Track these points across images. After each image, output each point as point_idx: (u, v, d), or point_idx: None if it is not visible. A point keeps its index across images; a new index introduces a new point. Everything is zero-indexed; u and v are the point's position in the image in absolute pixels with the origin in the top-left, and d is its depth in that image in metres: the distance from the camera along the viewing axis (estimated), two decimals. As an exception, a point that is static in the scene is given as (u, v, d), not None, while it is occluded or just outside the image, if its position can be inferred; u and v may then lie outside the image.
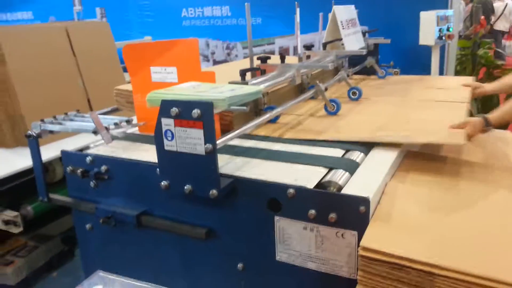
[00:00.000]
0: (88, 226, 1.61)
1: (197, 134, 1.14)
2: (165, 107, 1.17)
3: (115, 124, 1.56)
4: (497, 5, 10.03)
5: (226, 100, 1.14)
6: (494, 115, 1.58)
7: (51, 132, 1.63)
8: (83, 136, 2.28)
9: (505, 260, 0.93)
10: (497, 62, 4.49)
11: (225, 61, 4.32)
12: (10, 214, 2.21)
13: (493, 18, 9.13)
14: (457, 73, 4.28)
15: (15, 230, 2.23)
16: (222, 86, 1.31)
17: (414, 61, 3.20)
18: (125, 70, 3.11)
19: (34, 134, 1.57)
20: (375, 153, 1.42)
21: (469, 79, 2.41)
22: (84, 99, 2.67)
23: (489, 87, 2.17)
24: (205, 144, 1.14)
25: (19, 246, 2.49)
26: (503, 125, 2.49)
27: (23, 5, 5.21)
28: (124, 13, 4.69)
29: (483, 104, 3.72)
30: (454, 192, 1.26)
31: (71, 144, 1.70)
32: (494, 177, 1.39)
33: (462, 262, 0.91)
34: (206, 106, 1.12)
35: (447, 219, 1.11)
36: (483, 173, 1.42)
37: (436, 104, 1.94)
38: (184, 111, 1.14)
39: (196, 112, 1.12)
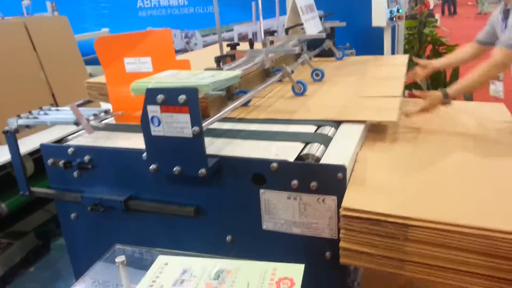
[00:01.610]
0: (73, 215, 1.65)
1: (184, 118, 1.22)
2: (151, 95, 1.24)
3: (94, 115, 1.60)
4: None
5: (210, 85, 1.23)
6: (452, 89, 1.75)
7: (28, 127, 1.64)
8: (50, 131, 2.29)
9: (464, 207, 1.09)
10: (442, 39, 4.78)
11: (184, 50, 4.34)
12: (-17, 213, 2.20)
13: None
14: (406, 51, 4.51)
15: (-10, 228, 2.22)
16: (202, 73, 1.39)
17: (368, 42, 3.38)
18: (87, 63, 3.11)
19: (11, 130, 1.59)
20: (344, 127, 1.55)
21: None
22: (48, 93, 2.65)
23: (437, 63, 2.37)
24: (192, 127, 1.22)
25: (-7, 245, 2.48)
26: (468, 97, 2.68)
27: (-35, 0, 4.96)
28: (78, 5, 4.57)
29: (432, 80, 3.98)
30: (416, 155, 1.42)
31: (39, 139, 1.70)
32: (447, 140, 1.56)
33: (430, 213, 1.06)
34: (192, 92, 1.20)
35: (412, 178, 1.26)
36: (438, 138, 1.59)
37: (388, 82, 2.11)
38: (170, 98, 1.22)
39: (182, 98, 1.20)
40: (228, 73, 1.39)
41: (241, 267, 0.84)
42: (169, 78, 1.35)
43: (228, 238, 1.40)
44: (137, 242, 1.55)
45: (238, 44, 1.88)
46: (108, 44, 1.72)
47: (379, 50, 3.30)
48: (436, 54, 4.63)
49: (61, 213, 1.70)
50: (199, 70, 1.49)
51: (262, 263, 0.84)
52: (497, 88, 2.14)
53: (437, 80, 3.93)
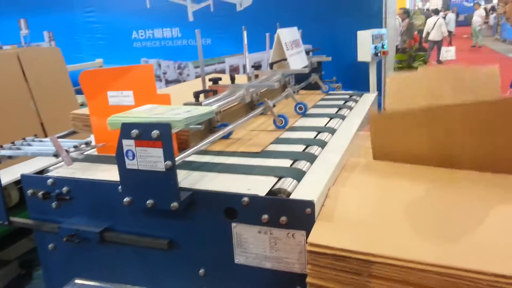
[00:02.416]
0: (50, 246, 1.65)
1: (157, 152, 1.25)
2: (126, 129, 1.27)
3: (75, 146, 1.63)
4: (431, 20, 11.49)
5: (182, 121, 1.26)
6: None
7: (10, 157, 1.67)
8: (35, 161, 2.31)
9: (429, 244, 1.10)
10: (430, 74, 4.87)
11: (177, 80, 4.42)
12: (-35, 241, 2.19)
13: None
14: (396, 85, 4.60)
15: (-28, 257, 2.20)
16: (179, 108, 1.43)
17: (355, 76, 3.46)
18: (77, 92, 3.16)
19: (-7, 160, 1.61)
20: (318, 162, 1.58)
21: None
22: (37, 123, 2.69)
23: None
24: (165, 161, 1.25)
25: (-26, 274, 2.45)
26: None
27: (-35, 29, 5.08)
28: (74, 35, 4.69)
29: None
30: (390, 191, 1.43)
31: (24, 169, 1.73)
32: (424, 175, 1.58)
33: (394, 250, 1.07)
34: (165, 127, 1.23)
35: (381, 214, 1.27)
36: (417, 171, 1.61)
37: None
38: (144, 133, 1.25)
39: (155, 133, 1.23)
40: (204, 109, 1.43)
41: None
42: (145, 113, 1.38)
43: (201, 271, 1.41)
44: (112, 273, 1.57)
45: (220, 79, 1.93)
46: (93, 77, 1.77)
47: (365, 84, 3.38)
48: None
49: (39, 244, 1.71)
50: (178, 105, 1.53)
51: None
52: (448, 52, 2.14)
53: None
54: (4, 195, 1.67)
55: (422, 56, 5.20)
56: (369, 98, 2.72)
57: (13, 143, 1.71)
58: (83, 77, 1.73)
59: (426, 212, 1.29)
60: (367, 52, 3.25)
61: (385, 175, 1.59)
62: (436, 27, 12.47)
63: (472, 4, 20.84)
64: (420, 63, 4.92)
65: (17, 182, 2.34)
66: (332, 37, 3.62)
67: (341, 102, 2.54)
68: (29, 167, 2.12)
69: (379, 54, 3.29)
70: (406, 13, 8.72)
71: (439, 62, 12.17)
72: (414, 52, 4.94)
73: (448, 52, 10.95)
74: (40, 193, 1.58)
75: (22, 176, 1.65)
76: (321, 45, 3.25)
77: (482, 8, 18.41)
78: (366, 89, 3.36)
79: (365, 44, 3.26)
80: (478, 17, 17.37)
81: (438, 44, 12.54)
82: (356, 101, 2.63)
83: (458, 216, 1.26)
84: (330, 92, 2.87)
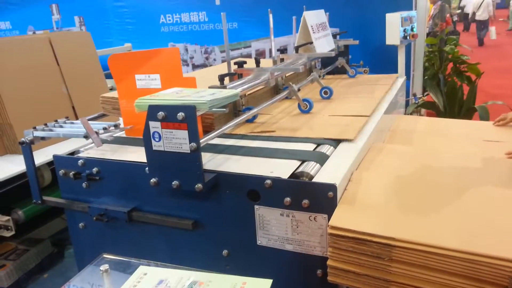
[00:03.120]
0: (81, 224, 1.72)
1: (182, 134, 1.28)
2: (153, 111, 1.30)
3: (104, 128, 1.68)
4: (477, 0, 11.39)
5: (207, 103, 1.28)
6: None
7: (43, 138, 1.73)
8: (66, 143, 2.40)
9: (450, 230, 1.09)
10: (463, 58, 4.73)
11: (203, 65, 4.45)
12: (1, 218, 2.30)
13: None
14: (426, 69, 4.50)
15: (7, 234, 2.32)
16: (204, 90, 1.45)
17: (383, 60, 3.40)
18: (107, 76, 3.23)
19: (27, 141, 1.67)
20: (343, 146, 1.57)
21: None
22: (69, 106, 2.77)
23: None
24: (189, 143, 1.27)
25: (10, 250, 2.58)
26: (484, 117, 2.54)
27: (0, 15, 5.23)
28: (103, 20, 4.76)
29: (448, 97, 3.94)
30: (412, 176, 1.42)
31: (56, 150, 1.80)
32: (449, 162, 1.56)
33: (415, 235, 1.07)
34: (190, 109, 1.25)
35: (403, 199, 1.27)
36: (440, 159, 1.59)
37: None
38: (170, 115, 1.27)
39: (181, 115, 1.25)
40: (229, 91, 1.44)
41: (213, 280, 0.88)
42: (171, 95, 1.41)
43: (225, 252, 1.44)
44: (139, 252, 1.62)
45: (245, 62, 1.93)
46: (121, 61, 1.80)
47: (393, 68, 3.31)
48: (457, 72, 4.58)
49: (70, 222, 1.78)
50: (203, 88, 1.55)
51: (233, 277, 0.87)
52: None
53: (454, 98, 3.88)
54: (37, 176, 1.74)
55: (453, 40, 5.04)
56: (397, 82, 2.67)
57: (45, 124, 1.77)
58: (111, 60, 1.77)
59: (449, 199, 1.28)
60: (395, 35, 3.17)
61: (410, 160, 1.58)
62: (483, 7, 12.19)
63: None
64: (452, 47, 4.78)
65: (49, 164, 2.45)
66: (360, 20, 3.55)
67: (368, 87, 2.50)
68: (61, 149, 2.21)
69: (408, 37, 3.21)
70: (439, -5, 8.44)
71: (481, 44, 11.89)
72: (445, 35, 4.79)
73: (491, 32, 10.91)
74: (71, 173, 1.64)
75: (54, 156, 1.71)
76: (348, 28, 3.19)
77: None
78: (394, 73, 3.29)
79: (393, 27, 3.18)
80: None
81: (485, 23, 12.24)
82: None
83: (483, 203, 1.24)
84: (357, 76, 2.83)
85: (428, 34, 5.77)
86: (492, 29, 11.17)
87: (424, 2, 3.73)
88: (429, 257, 1.03)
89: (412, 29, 3.24)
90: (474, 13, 12.36)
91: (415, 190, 1.33)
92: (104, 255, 1.02)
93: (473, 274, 1.00)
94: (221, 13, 1.81)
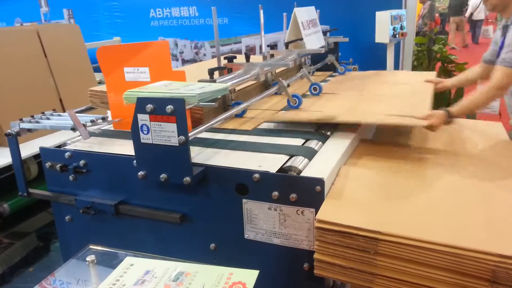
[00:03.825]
0: (67, 217, 1.70)
1: (171, 127, 1.27)
2: (141, 104, 1.29)
3: (92, 121, 1.66)
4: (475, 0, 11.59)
5: (196, 96, 1.27)
6: (454, 108, 1.77)
7: (29, 130, 1.71)
8: (53, 136, 2.38)
9: (435, 224, 1.11)
10: (451, 57, 4.78)
11: (193, 60, 4.43)
12: (-14, 211, 2.27)
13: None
14: (414, 67, 4.54)
15: (-8, 226, 2.29)
16: (193, 84, 1.44)
17: (372, 58, 3.42)
18: (95, 70, 3.20)
19: (13, 133, 1.66)
20: (331, 142, 1.58)
21: (427, 74, 2.63)
22: (56, 98, 2.74)
23: (447, 82, 2.41)
24: (178, 136, 1.27)
25: (-5, 243, 2.55)
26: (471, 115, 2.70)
27: (-13, 7, 5.15)
28: (92, 14, 4.72)
29: (436, 98, 3.97)
30: (398, 172, 1.44)
31: (42, 143, 1.77)
32: (434, 159, 1.58)
33: (401, 229, 1.08)
34: (179, 102, 1.25)
35: (388, 194, 1.28)
36: (425, 155, 1.61)
37: (387, 98, 2.14)
38: (159, 107, 1.27)
39: (169, 107, 1.25)
40: (218, 85, 1.44)
41: (199, 271, 0.88)
42: (160, 88, 1.40)
43: (212, 245, 1.44)
44: (126, 245, 1.60)
45: (235, 57, 1.93)
46: (110, 53, 1.79)
47: (382, 66, 3.33)
48: (445, 71, 4.63)
49: (57, 215, 1.76)
50: (192, 82, 1.55)
51: (220, 267, 0.88)
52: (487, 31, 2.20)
53: (441, 98, 3.92)
54: (24, 168, 1.72)
55: (442, 40, 5.09)
56: (385, 80, 2.69)
57: (32, 116, 1.75)
58: (100, 52, 1.75)
59: (435, 194, 1.29)
60: (385, 34, 3.20)
61: (397, 156, 1.59)
62: (481, 6, 12.41)
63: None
64: (440, 46, 4.82)
65: (36, 157, 2.42)
66: (350, 17, 3.57)
67: (357, 84, 2.52)
68: (47, 142, 2.18)
69: (397, 36, 3.24)
70: (429, -5, 8.50)
71: (475, 42, 12.09)
72: (434, 35, 4.84)
73: (487, 31, 11.11)
74: (58, 166, 1.62)
75: (41, 149, 1.69)
76: (339, 25, 3.21)
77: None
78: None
79: (383, 25, 3.20)
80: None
81: (479, 23, 12.42)
82: (372, 83, 2.60)
83: (467, 197, 1.26)
84: (346, 73, 2.84)
85: (417, 33, 5.82)
86: (489, 28, 11.40)
87: (413, 1, 3.76)
88: (414, 251, 1.04)
89: (401, 28, 3.27)
90: (471, 14, 12.54)
91: (403, 186, 1.34)
92: (91, 246, 1.01)
93: (457, 268, 1.02)
94: (212, 8, 1.81)
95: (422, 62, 4.75)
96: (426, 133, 1.77)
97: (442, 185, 1.35)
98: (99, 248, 1.03)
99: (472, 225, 1.11)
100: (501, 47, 2.01)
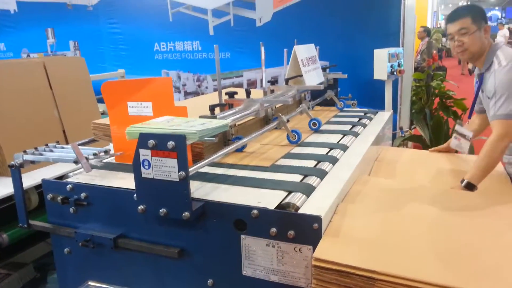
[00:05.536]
0: (66, 250, 1.71)
1: (172, 163, 1.30)
2: (143, 139, 1.32)
3: (94, 154, 1.69)
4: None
5: (197, 133, 1.31)
6: (473, 177, 1.74)
7: (32, 162, 1.73)
8: (56, 167, 2.39)
9: (431, 263, 1.12)
10: (449, 93, 4.86)
11: (195, 92, 4.51)
12: (-15, 242, 2.26)
13: None
14: (413, 103, 4.61)
15: (-9, 257, 2.27)
16: (194, 120, 1.48)
17: (371, 94, 3.49)
18: (99, 101, 3.25)
19: (17, 164, 1.68)
20: (329, 178, 1.60)
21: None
22: (60, 129, 2.77)
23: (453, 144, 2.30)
24: (178, 171, 1.29)
25: (-9, 275, 2.52)
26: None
27: (-5, 37, 5.28)
28: (98, 46, 4.83)
29: (434, 131, 4.03)
30: (396, 210, 1.45)
31: (44, 174, 1.80)
32: (432, 195, 1.59)
33: (398, 268, 1.09)
34: (180, 139, 1.28)
35: (386, 232, 1.29)
36: (424, 192, 1.62)
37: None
38: (160, 143, 1.30)
39: (171, 144, 1.28)
40: (219, 122, 1.47)
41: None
42: (162, 124, 1.44)
43: (210, 281, 1.44)
44: (124, 279, 1.61)
45: (236, 93, 1.98)
46: (114, 88, 1.83)
47: (381, 101, 3.39)
48: (443, 107, 4.69)
49: (56, 247, 1.76)
50: (194, 117, 1.58)
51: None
52: (461, 144, 2.17)
53: (439, 132, 3.97)
54: (25, 199, 1.74)
55: (440, 75, 5.19)
56: (383, 116, 2.74)
57: (36, 148, 1.78)
58: (105, 87, 1.80)
59: (433, 233, 1.30)
60: (383, 71, 3.28)
61: (395, 193, 1.61)
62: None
63: (495, 24, 20.61)
64: (439, 82, 4.91)
65: (37, 187, 2.43)
66: (349, 54, 3.67)
67: (356, 119, 2.57)
68: (49, 172, 2.20)
69: (395, 73, 3.31)
70: (426, 32, 8.69)
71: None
72: (432, 70, 4.93)
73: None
74: (59, 198, 1.64)
75: (43, 180, 1.71)
76: (338, 62, 3.29)
77: (506, 28, 18.18)
78: (382, 107, 3.38)
79: (381, 62, 3.29)
80: (501, 36, 17.16)
81: None
82: (371, 119, 2.65)
83: (465, 237, 1.27)
84: (345, 109, 2.89)
85: (416, 69, 5.93)
86: None
87: (411, 39, 3.86)
88: (410, 291, 1.05)
89: (399, 65, 3.35)
90: None
91: (400, 224, 1.36)
92: (90, 283, 1.02)
93: (453, 309, 1.02)
94: (214, 45, 1.87)
95: (420, 97, 4.82)
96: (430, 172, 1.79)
97: (443, 222, 1.36)
98: (98, 284, 1.03)
99: (472, 265, 1.12)
100: (476, 96, 2.05)
